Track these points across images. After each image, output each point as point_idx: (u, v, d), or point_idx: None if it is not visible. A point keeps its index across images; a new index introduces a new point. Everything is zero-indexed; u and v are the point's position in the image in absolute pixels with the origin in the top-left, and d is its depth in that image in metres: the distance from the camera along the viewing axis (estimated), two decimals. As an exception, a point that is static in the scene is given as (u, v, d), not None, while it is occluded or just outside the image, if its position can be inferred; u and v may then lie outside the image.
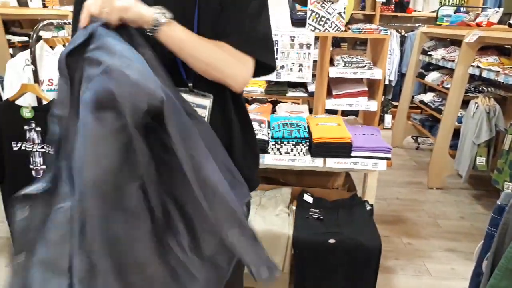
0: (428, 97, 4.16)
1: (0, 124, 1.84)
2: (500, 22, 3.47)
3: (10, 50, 3.15)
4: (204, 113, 1.02)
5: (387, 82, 5.16)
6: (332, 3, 2.32)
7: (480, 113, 3.07)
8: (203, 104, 1.02)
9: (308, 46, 2.31)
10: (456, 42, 3.90)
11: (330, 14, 2.33)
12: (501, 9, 3.61)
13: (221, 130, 1.03)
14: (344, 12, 2.34)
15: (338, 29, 2.36)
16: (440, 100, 3.95)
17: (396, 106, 4.45)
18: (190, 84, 1.02)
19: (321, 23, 2.35)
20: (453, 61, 3.48)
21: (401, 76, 5.01)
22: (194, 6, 0.98)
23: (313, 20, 2.35)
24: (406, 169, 3.85)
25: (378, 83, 2.39)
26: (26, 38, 3.31)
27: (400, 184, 3.48)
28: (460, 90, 3.25)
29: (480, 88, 3.61)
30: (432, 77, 3.96)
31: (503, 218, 1.13)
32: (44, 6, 3.74)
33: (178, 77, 0.99)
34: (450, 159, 3.40)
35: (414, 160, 4.10)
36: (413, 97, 4.36)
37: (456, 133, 3.41)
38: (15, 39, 3.31)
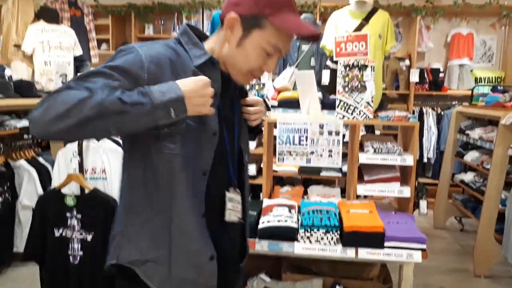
0: (468, 176, 4.02)
1: (47, 211, 1.98)
2: (538, 102, 3.40)
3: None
4: (239, 208, 1.08)
5: (425, 161, 5.07)
6: (360, 92, 2.41)
7: (525, 197, 2.93)
8: (239, 200, 1.09)
9: (337, 133, 2.37)
10: (494, 121, 3.84)
11: (358, 103, 2.41)
12: (538, 89, 3.56)
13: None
14: (372, 101, 2.42)
15: (367, 117, 2.42)
16: (481, 180, 3.80)
17: (434, 185, 4.32)
18: (235, 182, 1.08)
19: (350, 111, 2.43)
20: (491, 141, 3.41)
21: (440, 153, 4.91)
22: None
23: (341, 108, 2.44)
24: (450, 254, 3.63)
25: (410, 169, 2.37)
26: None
27: (444, 272, 3.27)
28: (501, 172, 3.14)
29: (524, 169, 3.46)
30: (471, 157, 3.86)
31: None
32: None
33: (226, 176, 1.06)
34: (497, 244, 3.19)
35: (459, 244, 3.87)
36: (453, 175, 4.24)
37: (501, 216, 3.23)
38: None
